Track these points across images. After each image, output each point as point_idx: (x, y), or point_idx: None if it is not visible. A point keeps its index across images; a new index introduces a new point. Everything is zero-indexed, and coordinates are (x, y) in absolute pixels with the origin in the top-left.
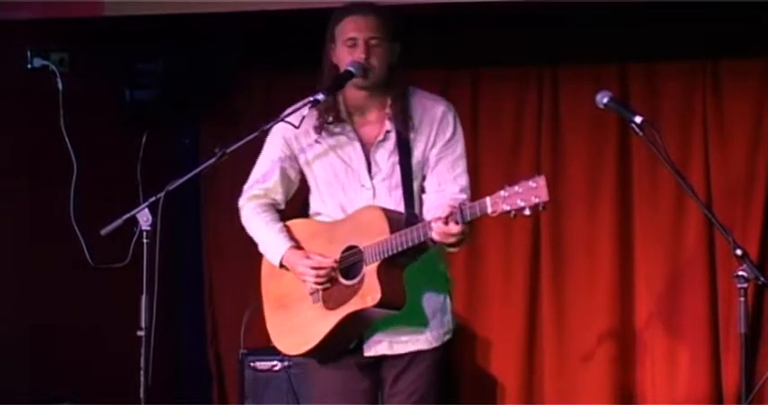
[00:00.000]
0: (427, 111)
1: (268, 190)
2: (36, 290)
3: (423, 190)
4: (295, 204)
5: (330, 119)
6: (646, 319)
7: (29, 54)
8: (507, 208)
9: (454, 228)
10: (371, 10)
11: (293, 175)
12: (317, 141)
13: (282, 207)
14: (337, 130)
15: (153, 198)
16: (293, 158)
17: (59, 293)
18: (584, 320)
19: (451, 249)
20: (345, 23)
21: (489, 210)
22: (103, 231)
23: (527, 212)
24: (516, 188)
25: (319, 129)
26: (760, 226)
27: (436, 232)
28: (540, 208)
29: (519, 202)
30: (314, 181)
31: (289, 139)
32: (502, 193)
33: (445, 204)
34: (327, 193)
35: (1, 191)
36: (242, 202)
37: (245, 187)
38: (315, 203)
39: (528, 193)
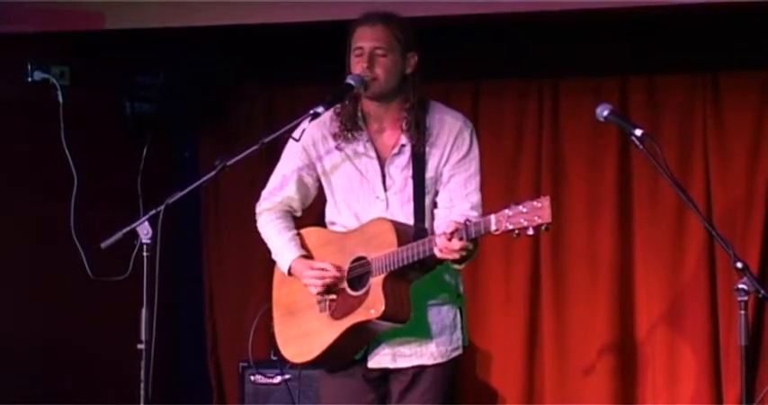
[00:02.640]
0: (444, 126)
1: (285, 197)
2: (36, 303)
3: (435, 205)
4: (313, 212)
5: (348, 126)
6: (646, 331)
7: (29, 67)
8: (510, 227)
9: (457, 244)
10: (380, 20)
11: (310, 182)
12: (337, 148)
13: (299, 214)
14: (355, 138)
15: (153, 211)
16: (311, 166)
17: (59, 306)
18: (584, 333)
19: (456, 266)
20: (356, 33)
21: (493, 227)
22: (104, 244)
23: (530, 232)
24: (520, 207)
25: (338, 136)
26: (760, 239)
27: (439, 247)
28: (543, 228)
29: (522, 221)
30: (330, 189)
31: (307, 147)
32: (506, 211)
33: (452, 220)
34: (343, 202)
35: (2, 203)
36: (259, 208)
37: (263, 193)
38: (330, 212)
39: (532, 214)
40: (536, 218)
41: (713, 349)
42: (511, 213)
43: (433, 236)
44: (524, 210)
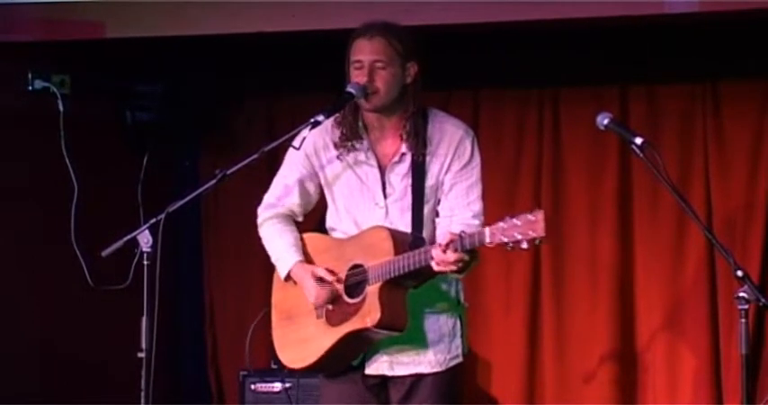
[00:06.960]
0: (445, 134)
1: (287, 202)
2: (36, 311)
3: (437, 213)
4: (313, 217)
5: (349, 136)
6: (647, 339)
7: (30, 76)
8: (505, 240)
9: (452, 256)
10: (379, 32)
11: (312, 189)
12: (337, 157)
13: (300, 219)
14: (356, 147)
15: (153, 219)
16: (313, 173)
17: (60, 314)
18: (585, 340)
19: (456, 275)
20: (354, 46)
21: (487, 240)
22: (104, 253)
23: (524, 246)
24: (515, 221)
25: (339, 145)
26: (761, 247)
27: (435, 259)
28: (536, 242)
29: (516, 234)
30: (331, 196)
31: (309, 154)
32: (501, 224)
33: (447, 231)
34: (343, 208)
35: (2, 212)
36: (261, 213)
37: (265, 198)
38: (331, 218)
39: (526, 227)
40: (530, 232)
41: (713, 357)
42: (505, 226)
43: (430, 247)
44: (519, 223)
